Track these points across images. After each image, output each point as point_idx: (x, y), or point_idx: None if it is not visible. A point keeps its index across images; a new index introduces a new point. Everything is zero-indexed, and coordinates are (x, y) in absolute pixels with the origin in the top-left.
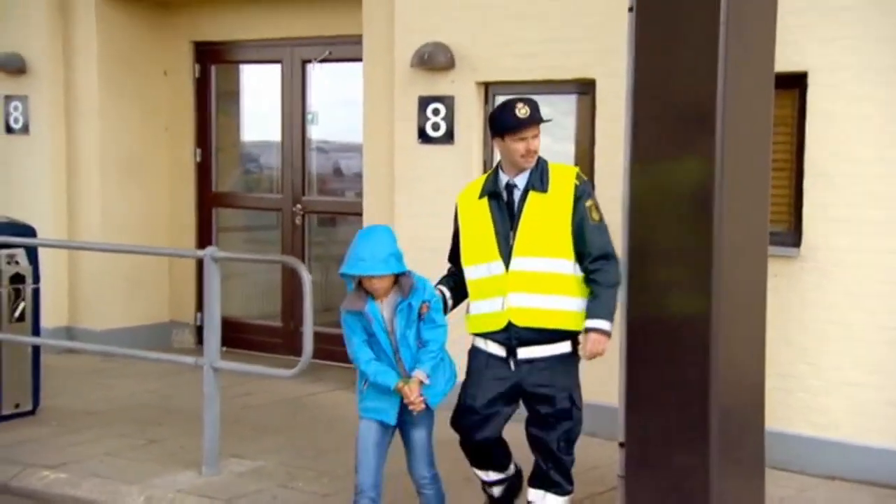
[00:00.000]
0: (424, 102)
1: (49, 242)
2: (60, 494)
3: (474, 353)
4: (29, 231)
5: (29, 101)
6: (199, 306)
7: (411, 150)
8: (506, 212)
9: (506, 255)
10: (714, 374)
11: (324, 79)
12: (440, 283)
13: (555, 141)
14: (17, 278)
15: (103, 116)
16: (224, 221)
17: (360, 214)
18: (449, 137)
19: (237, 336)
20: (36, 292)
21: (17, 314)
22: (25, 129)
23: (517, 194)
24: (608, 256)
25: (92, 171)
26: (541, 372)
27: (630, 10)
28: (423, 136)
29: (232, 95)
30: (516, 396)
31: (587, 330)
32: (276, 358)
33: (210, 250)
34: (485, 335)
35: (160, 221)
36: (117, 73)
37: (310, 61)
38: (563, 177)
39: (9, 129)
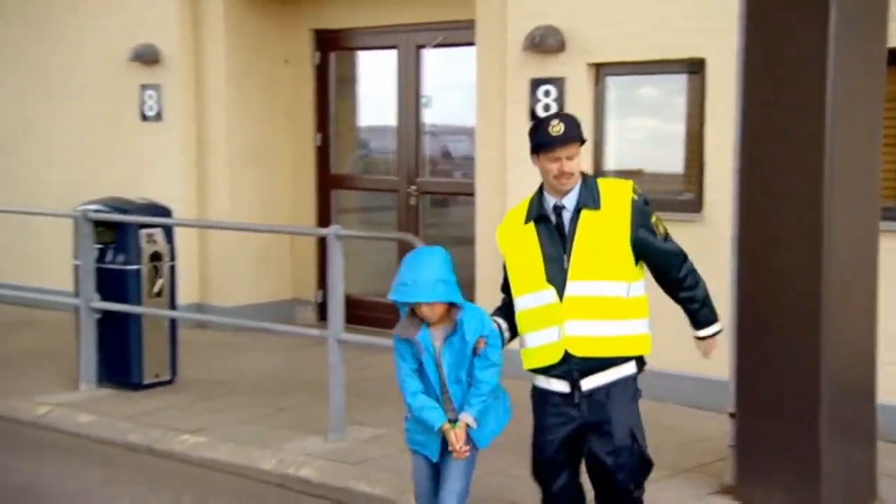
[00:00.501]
0: (536, 84)
1: (187, 222)
2: (200, 457)
3: (537, 395)
4: (166, 212)
5: (162, 89)
6: (321, 284)
7: (523, 131)
8: (556, 235)
9: (559, 280)
10: (825, 346)
11: (437, 63)
12: (495, 314)
13: (666, 122)
14: (156, 256)
15: (230, 104)
16: (342, 203)
17: (471, 195)
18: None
19: (356, 313)
20: (172, 269)
21: (156, 290)
22: (158, 116)
23: (567, 216)
24: (685, 257)
25: (220, 155)
26: (601, 405)
27: None
28: (535, 118)
29: (349, 81)
30: (584, 435)
31: (704, 338)
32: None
33: (334, 228)
34: (545, 371)
35: (282, 203)
36: (243, 62)
37: (424, 46)
38: (618, 192)
39: (143, 117)
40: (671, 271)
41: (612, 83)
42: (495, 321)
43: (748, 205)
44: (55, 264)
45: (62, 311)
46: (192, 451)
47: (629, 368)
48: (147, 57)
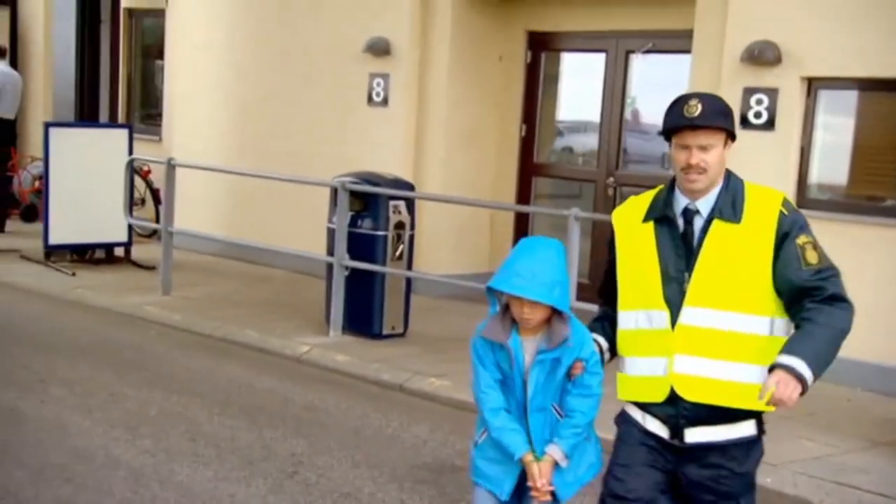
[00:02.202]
0: (749, 93)
1: (430, 196)
2: (447, 397)
3: (626, 424)
4: (410, 187)
5: (390, 78)
6: None
7: None
8: (680, 244)
9: (675, 302)
10: None
11: (644, 68)
12: (592, 327)
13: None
14: (400, 225)
15: (449, 94)
16: (538, 189)
17: None
18: (770, 125)
19: None
20: (411, 238)
21: (397, 254)
22: (385, 101)
23: (698, 223)
24: (840, 299)
25: (437, 139)
26: (708, 467)
27: None
28: (745, 123)
29: (555, 78)
30: (676, 492)
31: (775, 367)
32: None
33: (574, 210)
34: (643, 406)
35: (486, 186)
36: (463, 57)
37: (633, 51)
38: (765, 203)
39: (370, 101)
40: (814, 294)
41: (824, 96)
42: (595, 341)
43: None
44: (302, 228)
45: (291, 270)
46: (438, 391)
47: (748, 429)
48: (378, 48)
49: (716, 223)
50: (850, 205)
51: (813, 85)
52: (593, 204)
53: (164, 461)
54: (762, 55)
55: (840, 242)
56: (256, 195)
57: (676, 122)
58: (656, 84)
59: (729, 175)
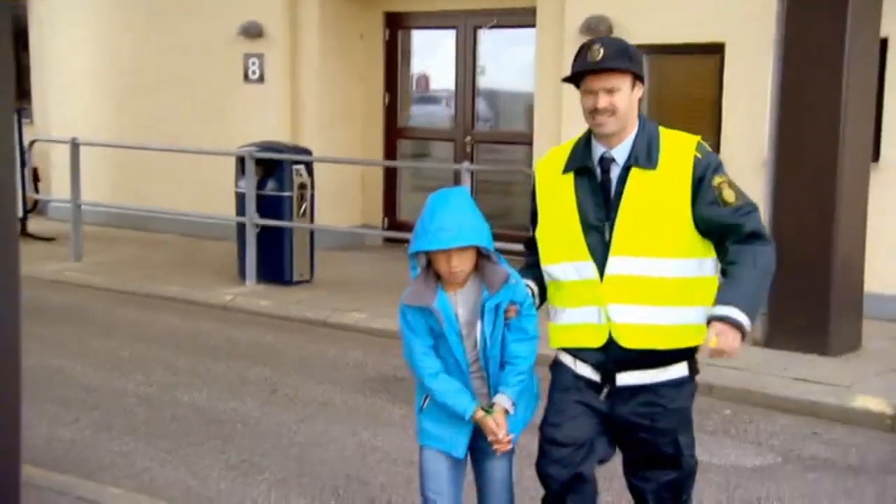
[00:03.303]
0: None
1: (324, 159)
2: (365, 327)
3: (558, 370)
4: (308, 153)
5: (264, 58)
6: (386, 212)
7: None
8: (599, 195)
9: (600, 253)
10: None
11: (491, 41)
12: (522, 274)
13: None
14: (302, 186)
15: (319, 70)
16: (402, 150)
17: (523, 143)
18: None
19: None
20: (312, 197)
21: (301, 211)
22: (261, 78)
23: (615, 171)
24: (760, 235)
25: (311, 111)
26: (641, 405)
27: None
28: None
29: (412, 53)
30: (612, 433)
31: (712, 319)
32: None
33: (464, 164)
34: (574, 352)
35: (357, 150)
36: (329, 36)
37: (480, 27)
38: (680, 148)
39: (246, 78)
40: (736, 232)
41: (647, 59)
42: (526, 285)
43: None
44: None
45: (180, 234)
46: (358, 323)
47: (679, 370)
48: (252, 31)
49: (633, 171)
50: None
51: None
52: (454, 159)
53: (161, 390)
54: (596, 27)
55: None
56: (140, 169)
57: (580, 68)
58: (503, 54)
59: (644, 121)
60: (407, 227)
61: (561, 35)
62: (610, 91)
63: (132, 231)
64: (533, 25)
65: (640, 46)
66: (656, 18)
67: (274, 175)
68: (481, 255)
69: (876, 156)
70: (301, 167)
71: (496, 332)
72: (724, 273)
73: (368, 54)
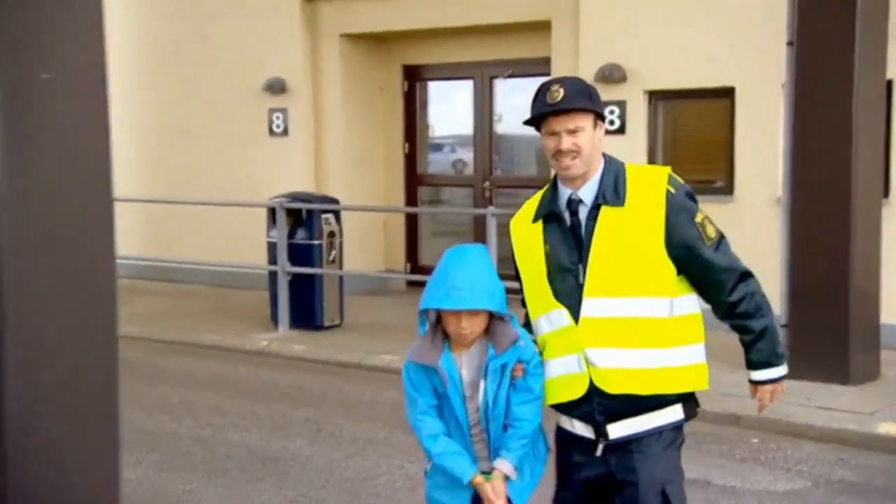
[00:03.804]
0: (604, 105)
1: (353, 207)
2: (398, 368)
3: (561, 440)
4: (336, 202)
5: (288, 112)
6: (408, 257)
7: None
8: (570, 238)
9: (574, 298)
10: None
11: (507, 90)
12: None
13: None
14: (331, 234)
15: (341, 122)
16: (423, 196)
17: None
18: (622, 130)
19: None
20: (341, 244)
21: (331, 258)
22: (285, 132)
23: (584, 212)
24: (745, 276)
25: (334, 162)
26: (630, 454)
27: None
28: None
29: (430, 103)
30: (608, 491)
31: (756, 383)
32: None
33: (490, 209)
34: (566, 409)
35: (379, 198)
36: (350, 89)
37: (496, 77)
38: (649, 182)
39: (271, 132)
40: (718, 291)
41: (661, 105)
42: (533, 341)
43: None
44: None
45: (210, 285)
46: (390, 364)
47: (673, 414)
48: (276, 87)
49: (603, 210)
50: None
51: (653, 97)
52: (473, 204)
53: (213, 431)
54: (611, 75)
55: None
56: (169, 222)
57: (540, 110)
58: (518, 101)
59: (609, 160)
60: (428, 272)
61: None
62: (573, 132)
63: (162, 283)
64: (547, 74)
65: (653, 92)
66: (668, 65)
67: (304, 224)
68: (493, 316)
69: (886, 191)
70: (330, 216)
71: (501, 392)
72: (736, 329)
73: (388, 105)
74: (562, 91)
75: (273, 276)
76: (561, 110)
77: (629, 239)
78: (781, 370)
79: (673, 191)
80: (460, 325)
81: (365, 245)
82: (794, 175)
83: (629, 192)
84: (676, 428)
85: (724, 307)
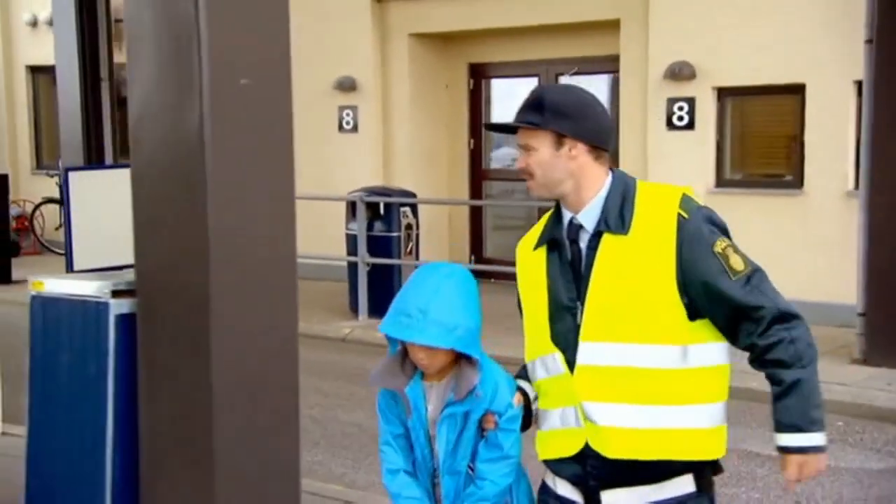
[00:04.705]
0: (672, 102)
1: (430, 200)
2: None
3: (542, 501)
4: (413, 196)
5: (358, 109)
6: (473, 249)
7: (660, 133)
8: (569, 270)
9: (572, 340)
10: None
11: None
12: (520, 376)
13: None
14: (409, 226)
15: (408, 119)
16: (487, 190)
17: None
18: (691, 126)
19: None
20: (417, 236)
21: (408, 249)
22: (355, 128)
23: (585, 240)
24: (787, 317)
25: (402, 157)
26: None
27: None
28: (671, 125)
29: (496, 100)
30: None
31: (784, 450)
32: None
33: None
34: (556, 466)
35: (444, 192)
36: (417, 87)
37: (562, 74)
38: (659, 205)
39: (341, 128)
40: (749, 334)
41: (730, 101)
42: (521, 391)
43: None
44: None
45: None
46: None
47: (681, 486)
48: (346, 85)
49: (605, 238)
50: (758, 182)
51: (721, 93)
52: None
53: (323, 411)
54: (681, 72)
55: (752, 210)
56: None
57: (502, 125)
58: None
59: (617, 177)
60: (493, 264)
61: (645, 81)
62: (529, 149)
63: None
64: (613, 71)
65: (723, 89)
66: (738, 62)
67: (382, 217)
68: (460, 354)
69: None
70: (407, 209)
71: (463, 443)
72: (768, 379)
73: (454, 103)
74: (525, 101)
75: (353, 266)
76: (502, 124)
77: (632, 273)
78: (815, 439)
79: (686, 216)
80: (418, 356)
81: (432, 237)
82: (871, 169)
83: (636, 218)
84: (698, 496)
85: (755, 351)
